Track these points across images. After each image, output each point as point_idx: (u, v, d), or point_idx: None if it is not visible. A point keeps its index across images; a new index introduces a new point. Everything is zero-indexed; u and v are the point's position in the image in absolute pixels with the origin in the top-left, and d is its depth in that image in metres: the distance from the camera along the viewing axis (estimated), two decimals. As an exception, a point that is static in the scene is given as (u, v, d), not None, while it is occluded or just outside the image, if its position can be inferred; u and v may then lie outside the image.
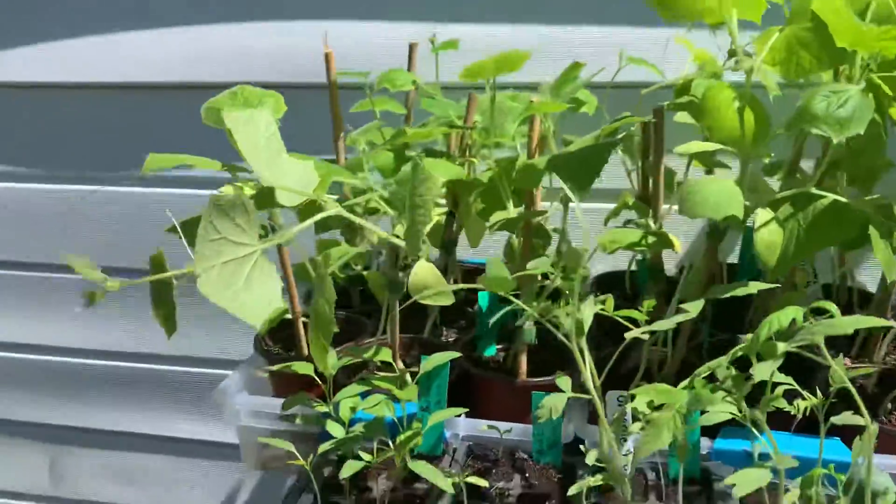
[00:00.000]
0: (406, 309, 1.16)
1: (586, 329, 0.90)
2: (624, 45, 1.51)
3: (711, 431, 1.05)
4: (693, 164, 1.38)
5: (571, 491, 0.90)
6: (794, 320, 0.82)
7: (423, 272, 1.01)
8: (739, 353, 0.86)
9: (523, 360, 1.26)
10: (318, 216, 0.92)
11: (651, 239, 1.21)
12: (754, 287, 0.98)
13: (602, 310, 0.98)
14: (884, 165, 1.14)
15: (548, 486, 1.08)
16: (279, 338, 1.38)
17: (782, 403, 0.94)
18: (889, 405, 1.16)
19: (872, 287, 1.48)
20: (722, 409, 0.86)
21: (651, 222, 1.32)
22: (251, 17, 1.80)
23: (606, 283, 1.62)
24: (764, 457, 0.98)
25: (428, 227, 0.99)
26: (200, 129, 1.18)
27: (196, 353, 2.11)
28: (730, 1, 1.05)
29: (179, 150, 1.19)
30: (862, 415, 0.86)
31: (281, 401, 1.16)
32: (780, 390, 0.94)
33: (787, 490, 0.91)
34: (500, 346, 1.37)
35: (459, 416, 1.15)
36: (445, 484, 0.92)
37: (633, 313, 1.00)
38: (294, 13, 1.79)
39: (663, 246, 1.26)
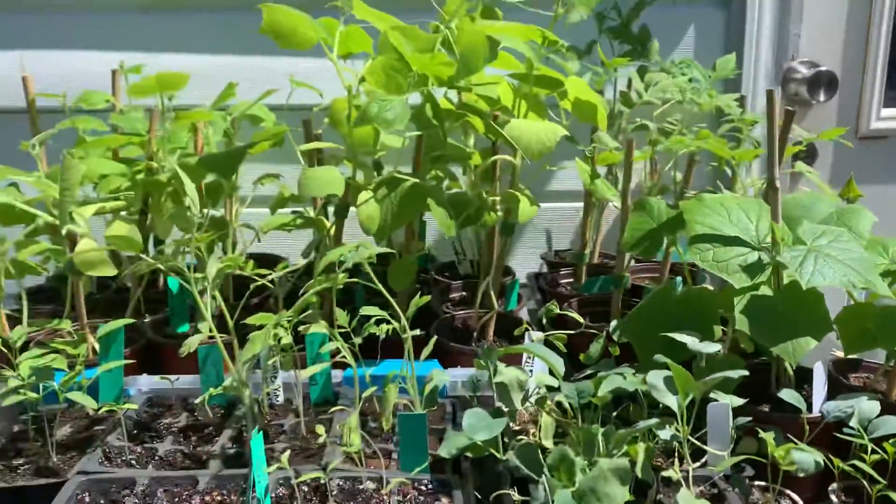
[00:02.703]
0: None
1: (215, 283, 1.17)
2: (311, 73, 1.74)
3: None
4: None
5: (200, 399, 1.17)
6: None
7: (85, 247, 1.24)
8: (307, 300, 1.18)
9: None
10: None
11: (300, 221, 1.52)
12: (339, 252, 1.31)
13: (239, 268, 1.27)
14: (465, 156, 1.54)
15: (212, 420, 1.34)
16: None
17: (375, 329, 1.28)
18: (476, 334, 1.56)
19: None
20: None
21: (310, 210, 1.64)
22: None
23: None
24: (377, 379, 1.31)
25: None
26: None
27: None
28: (320, 37, 1.38)
29: None
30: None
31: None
32: (371, 321, 1.27)
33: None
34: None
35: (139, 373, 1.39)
36: (89, 401, 1.15)
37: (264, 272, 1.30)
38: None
39: (314, 226, 1.59)
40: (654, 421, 1.09)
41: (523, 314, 1.74)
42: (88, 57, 1.96)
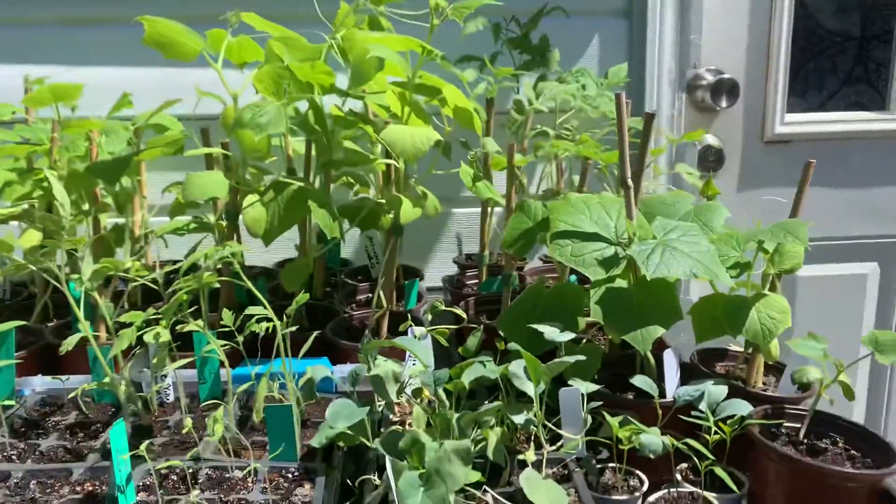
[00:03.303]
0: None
1: (93, 285, 1.23)
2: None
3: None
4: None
5: (73, 394, 1.22)
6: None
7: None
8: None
9: (102, 329, 1.57)
10: None
11: (193, 226, 1.58)
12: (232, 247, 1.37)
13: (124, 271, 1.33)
14: (364, 160, 1.60)
15: (101, 418, 1.39)
16: None
17: (255, 327, 1.33)
18: (369, 332, 1.61)
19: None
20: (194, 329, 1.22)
21: (210, 216, 1.70)
22: None
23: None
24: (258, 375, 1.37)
25: None
26: None
27: None
28: (203, 48, 1.44)
29: None
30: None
31: None
32: (253, 320, 1.33)
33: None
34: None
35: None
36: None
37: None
38: None
39: (209, 230, 1.64)
40: (496, 404, 1.15)
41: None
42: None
